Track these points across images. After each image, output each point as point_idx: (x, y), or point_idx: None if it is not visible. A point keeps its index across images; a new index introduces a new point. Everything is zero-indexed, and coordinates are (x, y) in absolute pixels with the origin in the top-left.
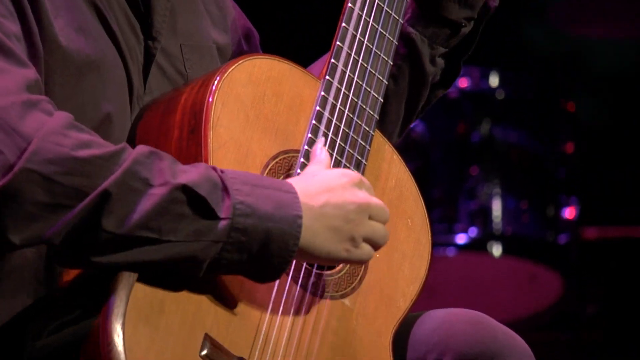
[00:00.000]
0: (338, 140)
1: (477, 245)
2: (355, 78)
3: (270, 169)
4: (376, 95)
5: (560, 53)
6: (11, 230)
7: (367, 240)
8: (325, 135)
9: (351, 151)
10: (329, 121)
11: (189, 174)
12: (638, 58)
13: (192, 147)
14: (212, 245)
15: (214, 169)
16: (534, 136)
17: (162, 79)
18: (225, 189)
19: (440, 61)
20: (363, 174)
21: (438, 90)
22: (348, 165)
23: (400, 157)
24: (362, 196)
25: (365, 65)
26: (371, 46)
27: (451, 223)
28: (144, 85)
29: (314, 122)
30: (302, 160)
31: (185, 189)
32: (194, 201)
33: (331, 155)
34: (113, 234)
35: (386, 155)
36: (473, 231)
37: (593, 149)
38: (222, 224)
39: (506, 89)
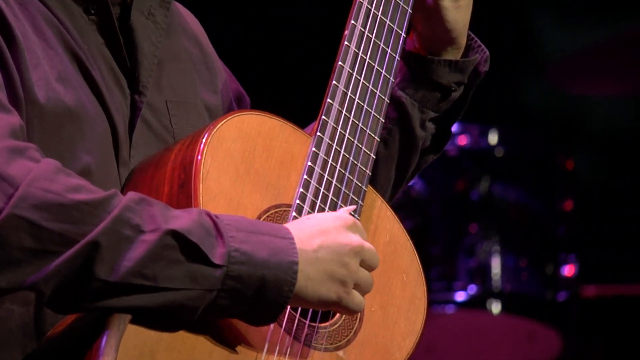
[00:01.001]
0: (330, 196)
1: (476, 303)
2: (347, 135)
3: None
4: (368, 152)
5: (558, 111)
6: None
7: (356, 287)
8: (317, 190)
9: (343, 206)
10: (321, 176)
11: (181, 220)
12: (635, 115)
13: (182, 201)
14: (207, 293)
15: (208, 214)
16: (533, 194)
17: (148, 133)
18: (219, 236)
19: (430, 126)
20: None
21: (428, 156)
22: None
23: (393, 213)
24: (356, 239)
25: (357, 122)
26: (362, 104)
27: (450, 280)
28: (130, 139)
29: (305, 177)
30: (294, 214)
31: (176, 235)
32: (187, 247)
33: (323, 209)
34: (106, 281)
35: (379, 211)
36: (472, 289)
37: (592, 206)
38: (217, 271)
39: (505, 146)
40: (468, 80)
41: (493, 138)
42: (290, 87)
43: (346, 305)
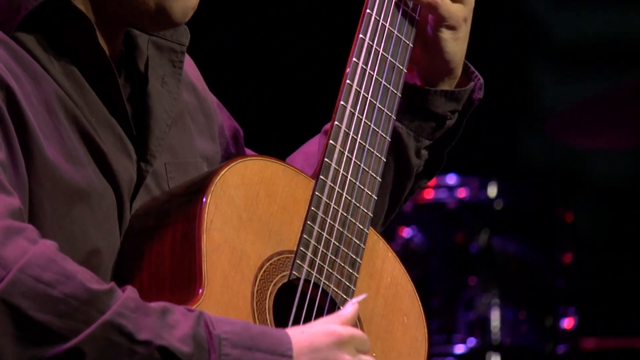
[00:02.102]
0: (333, 240)
1: (476, 356)
2: (349, 176)
3: (264, 271)
4: (369, 193)
5: (557, 163)
6: None
7: None
8: (320, 235)
9: (346, 250)
10: (323, 220)
11: (176, 331)
12: (635, 168)
13: (185, 251)
14: None
15: (206, 323)
16: (533, 246)
17: (146, 199)
18: (213, 351)
19: (424, 153)
20: (358, 273)
21: (421, 181)
22: (343, 264)
23: (394, 254)
24: (347, 359)
25: (359, 163)
26: (364, 144)
27: (450, 333)
28: (130, 206)
29: (308, 222)
30: (297, 261)
31: (166, 352)
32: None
33: (325, 255)
34: None
35: (380, 253)
36: (471, 341)
37: (591, 259)
38: None
39: (505, 199)
40: (462, 108)
41: (492, 191)
42: (290, 88)
43: None
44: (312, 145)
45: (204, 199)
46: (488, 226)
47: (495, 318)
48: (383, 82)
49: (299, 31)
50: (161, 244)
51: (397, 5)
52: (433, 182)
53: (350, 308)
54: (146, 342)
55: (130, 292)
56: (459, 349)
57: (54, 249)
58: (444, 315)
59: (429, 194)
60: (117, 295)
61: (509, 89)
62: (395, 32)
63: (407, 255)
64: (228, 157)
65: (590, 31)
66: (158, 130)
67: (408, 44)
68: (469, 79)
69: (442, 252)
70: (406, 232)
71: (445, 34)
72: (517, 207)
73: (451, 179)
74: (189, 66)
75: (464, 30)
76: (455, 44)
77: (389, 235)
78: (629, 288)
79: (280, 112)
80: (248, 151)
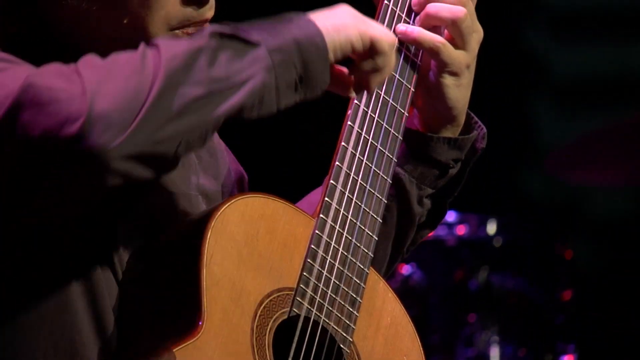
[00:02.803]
0: (332, 279)
1: None
2: (350, 216)
3: (264, 307)
4: (370, 234)
5: (557, 200)
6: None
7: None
8: (320, 273)
9: (346, 289)
10: (323, 259)
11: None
12: (634, 205)
13: (185, 285)
14: (266, 71)
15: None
16: (532, 283)
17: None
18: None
19: (427, 202)
20: (358, 312)
21: (424, 231)
22: (343, 303)
23: (395, 295)
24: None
25: (359, 204)
26: (365, 184)
27: None
28: (124, 229)
29: (308, 260)
30: (297, 299)
31: (213, 34)
32: (229, 42)
33: (325, 293)
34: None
35: (380, 293)
36: None
37: (591, 296)
38: (260, 50)
39: (504, 236)
40: (465, 157)
41: (492, 228)
42: (294, 134)
43: (373, 34)
44: (316, 195)
45: (205, 234)
46: (487, 263)
47: (494, 355)
48: (384, 124)
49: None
50: (162, 277)
51: (398, 50)
52: None
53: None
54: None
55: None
56: None
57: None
58: (444, 352)
59: None
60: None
61: (508, 125)
62: (397, 76)
63: (406, 292)
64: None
65: (590, 68)
66: None
67: (409, 88)
68: (472, 128)
69: (442, 289)
70: (405, 269)
71: (448, 80)
72: (516, 244)
73: (450, 216)
74: None
75: (467, 78)
76: (458, 91)
77: None
78: (628, 325)
79: (285, 158)
80: None
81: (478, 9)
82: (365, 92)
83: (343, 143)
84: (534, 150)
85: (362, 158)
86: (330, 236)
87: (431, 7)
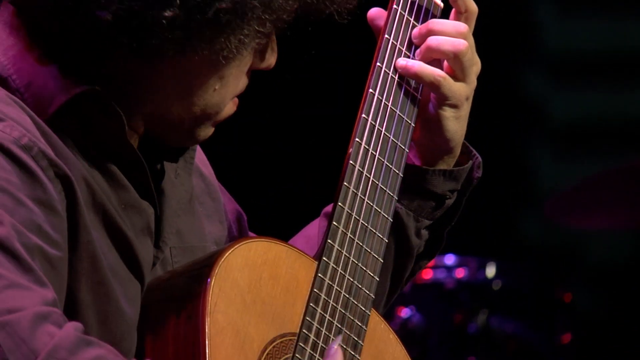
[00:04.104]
0: (335, 322)
1: None
2: (351, 258)
3: (267, 354)
4: (371, 275)
5: (555, 244)
6: None
7: None
8: (322, 317)
9: (348, 333)
10: (325, 302)
11: None
12: (633, 249)
13: (189, 333)
14: None
15: None
16: (531, 327)
17: None
18: None
19: (425, 233)
20: (360, 355)
21: (422, 261)
22: (345, 347)
23: (396, 336)
24: None
25: (361, 245)
26: (366, 224)
27: None
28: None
29: (311, 304)
30: (300, 344)
31: None
32: None
33: (327, 337)
34: None
35: (382, 335)
36: None
37: (590, 339)
38: None
39: (503, 279)
40: (462, 187)
41: (491, 271)
42: (292, 170)
43: None
44: (312, 229)
45: (209, 281)
46: (486, 306)
47: None
48: (385, 162)
49: (302, 113)
50: (165, 326)
51: (399, 85)
52: (431, 262)
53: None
54: None
55: None
56: None
57: (80, 331)
58: None
59: (427, 274)
60: None
61: (507, 169)
62: (398, 111)
63: (405, 335)
64: (232, 239)
65: (588, 112)
66: (171, 219)
67: (410, 124)
68: (467, 157)
69: (441, 332)
70: (404, 312)
71: (447, 112)
72: (515, 287)
73: (449, 259)
74: (198, 153)
75: (465, 109)
76: (457, 123)
77: (387, 315)
78: None
79: (283, 194)
80: (251, 234)
81: (478, 53)
82: (366, 129)
83: (345, 183)
84: (533, 194)
85: (363, 197)
86: (332, 279)
87: (432, 40)
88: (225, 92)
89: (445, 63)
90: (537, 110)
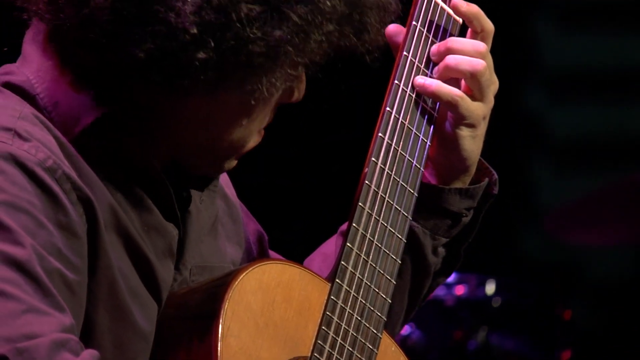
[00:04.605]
0: (347, 346)
1: None
2: (364, 280)
3: None
4: (384, 297)
5: (555, 260)
6: None
7: None
8: (334, 340)
9: (359, 355)
10: (338, 325)
11: None
12: (633, 265)
13: (202, 357)
14: None
15: None
16: (531, 343)
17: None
18: None
19: (441, 250)
20: None
21: (440, 278)
22: None
23: (406, 358)
24: None
25: (374, 266)
26: (380, 246)
27: None
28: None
29: (323, 327)
30: None
31: None
32: None
33: None
34: None
35: (393, 357)
36: None
37: (590, 356)
38: None
39: (502, 296)
40: (478, 204)
41: (490, 288)
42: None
43: None
44: (329, 246)
45: (222, 306)
46: (486, 323)
47: None
48: (400, 181)
49: (319, 130)
50: (178, 346)
51: (416, 103)
52: None
53: None
54: None
55: None
56: None
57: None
58: None
59: None
60: None
61: (506, 185)
62: (414, 130)
63: (405, 352)
64: (251, 259)
65: (588, 128)
66: (194, 244)
67: (426, 142)
68: (483, 174)
69: (441, 349)
70: (404, 329)
71: (464, 131)
72: (515, 304)
73: (449, 276)
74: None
75: (482, 128)
76: (473, 142)
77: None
78: None
79: (302, 212)
80: (272, 254)
81: None
82: (382, 148)
83: (360, 203)
84: (533, 210)
85: (377, 218)
86: (345, 301)
87: (450, 60)
88: (252, 127)
89: (463, 82)
90: (537, 126)
